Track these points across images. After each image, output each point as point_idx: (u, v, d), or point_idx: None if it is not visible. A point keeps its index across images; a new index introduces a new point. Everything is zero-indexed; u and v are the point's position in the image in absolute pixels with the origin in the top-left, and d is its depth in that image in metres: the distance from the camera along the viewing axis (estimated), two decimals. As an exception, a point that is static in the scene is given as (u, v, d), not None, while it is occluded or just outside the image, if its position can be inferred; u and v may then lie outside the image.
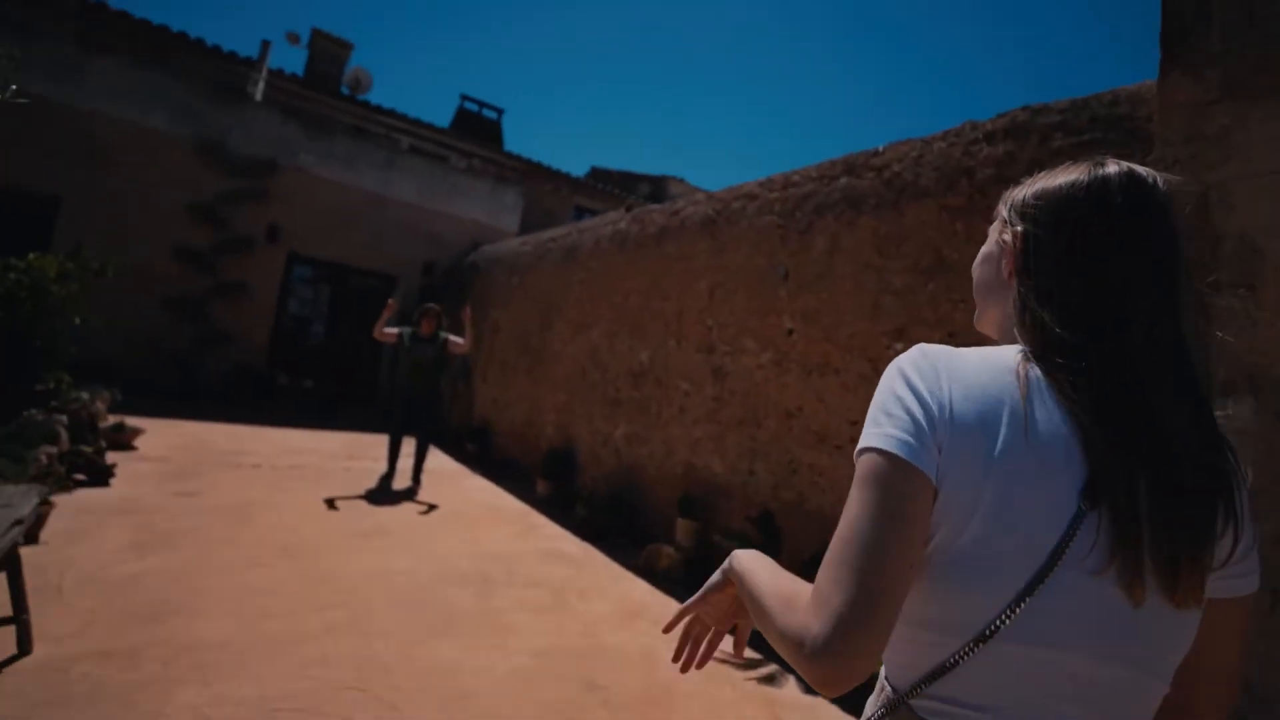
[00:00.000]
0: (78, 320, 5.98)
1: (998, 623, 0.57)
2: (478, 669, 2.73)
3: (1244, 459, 0.65)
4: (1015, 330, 0.69)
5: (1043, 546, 0.58)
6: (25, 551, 3.36)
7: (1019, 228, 0.70)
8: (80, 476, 4.61)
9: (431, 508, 5.21)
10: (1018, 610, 0.57)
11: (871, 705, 0.69)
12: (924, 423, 0.60)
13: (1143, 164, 0.68)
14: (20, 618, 2.36)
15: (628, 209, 6.48)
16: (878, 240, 3.66)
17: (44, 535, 3.59)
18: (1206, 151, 1.84)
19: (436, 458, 7.50)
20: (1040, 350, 0.63)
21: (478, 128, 17.53)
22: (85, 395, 6.12)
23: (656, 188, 17.93)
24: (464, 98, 18.80)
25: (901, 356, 0.67)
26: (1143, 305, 0.62)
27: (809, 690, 2.90)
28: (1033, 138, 2.89)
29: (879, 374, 2.89)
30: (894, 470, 0.59)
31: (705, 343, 4.82)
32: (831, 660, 0.55)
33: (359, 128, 10.20)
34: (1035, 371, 0.62)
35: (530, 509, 5.65)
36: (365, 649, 2.76)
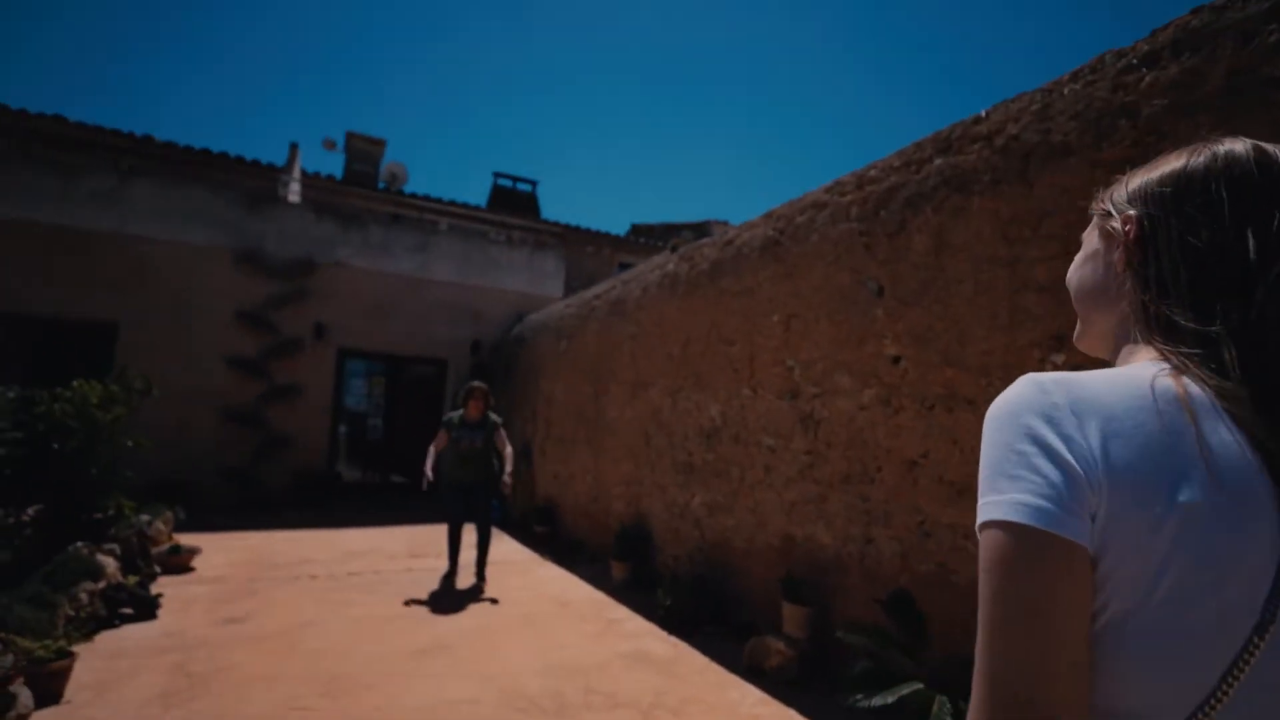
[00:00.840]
0: (130, 443, 5.79)
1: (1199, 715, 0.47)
2: None
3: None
4: (1137, 335, 0.61)
5: (1243, 616, 0.48)
6: (43, 715, 2.90)
7: (1133, 212, 0.62)
8: (127, 610, 4.21)
9: (496, 606, 4.58)
10: (1219, 701, 0.47)
11: None
12: (1066, 479, 0.50)
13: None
14: None
15: (673, 249, 5.95)
16: (1001, 225, 2.95)
17: (69, 690, 3.15)
18: None
19: (503, 544, 6.92)
20: (1177, 354, 0.55)
21: (513, 202, 17.68)
22: (145, 518, 5.85)
23: (700, 234, 17.54)
24: (497, 175, 19.12)
25: (1010, 395, 0.57)
26: None
27: None
28: (1225, 42, 2.17)
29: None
30: (1033, 547, 0.49)
31: (787, 387, 4.13)
32: None
33: (393, 216, 10.18)
34: (1194, 388, 0.52)
35: (606, 598, 4.95)
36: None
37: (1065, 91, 2.69)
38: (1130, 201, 0.63)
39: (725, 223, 17.92)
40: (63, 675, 3.18)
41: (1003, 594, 0.50)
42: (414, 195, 12.09)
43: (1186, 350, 0.54)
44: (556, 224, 14.28)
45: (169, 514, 6.08)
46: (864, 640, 2.95)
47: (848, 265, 3.77)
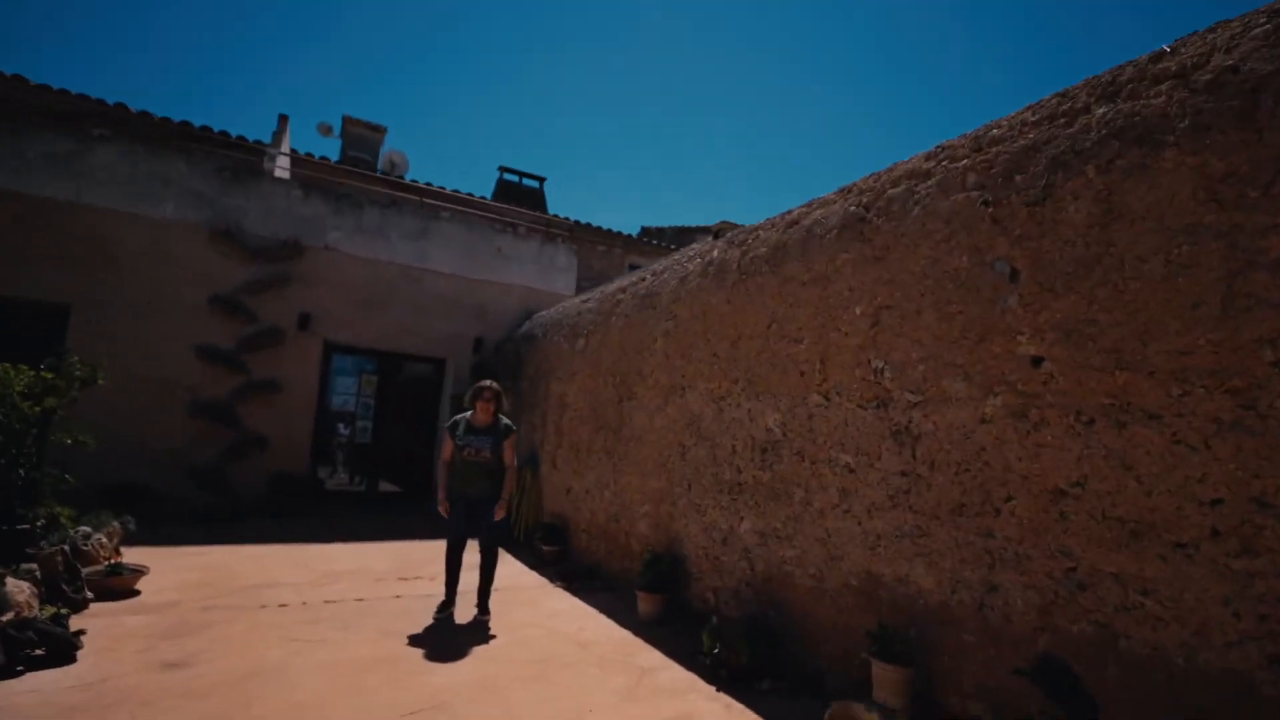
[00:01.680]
0: (70, 440, 4.96)
1: None
2: None
3: None
4: None
5: None
6: None
7: None
8: (37, 651, 3.36)
9: (503, 648, 3.77)
10: None
11: None
12: None
13: None
14: None
15: (715, 236, 5.21)
16: (1210, 185, 2.22)
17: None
18: None
19: (506, 565, 6.09)
20: None
21: (519, 198, 16.97)
22: (84, 530, 5.01)
23: (713, 237, 16.87)
24: (503, 169, 18.39)
25: None
26: None
27: None
28: None
29: (1259, 415, 1.52)
30: None
31: (873, 394, 3.39)
32: None
33: (391, 199, 9.41)
34: None
35: (632, 638, 4.16)
36: None
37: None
38: None
39: (736, 224, 17.27)
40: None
41: None
42: (414, 182, 11.33)
43: None
44: (566, 220, 13.55)
45: (115, 525, 5.23)
46: (1022, 734, 2.18)
47: (965, 244, 3.04)
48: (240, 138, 10.46)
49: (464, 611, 4.52)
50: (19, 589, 3.39)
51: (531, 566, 6.16)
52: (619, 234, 14.89)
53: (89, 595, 4.16)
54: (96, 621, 3.84)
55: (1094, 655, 2.39)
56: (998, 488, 2.76)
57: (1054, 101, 2.82)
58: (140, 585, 4.64)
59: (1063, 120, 2.74)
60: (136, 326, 7.55)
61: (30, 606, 3.41)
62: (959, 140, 3.24)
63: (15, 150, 7.16)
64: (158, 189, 7.87)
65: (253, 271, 8.29)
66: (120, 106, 8.76)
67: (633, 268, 15.54)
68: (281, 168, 10.48)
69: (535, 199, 17.60)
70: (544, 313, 8.50)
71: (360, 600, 4.69)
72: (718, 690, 3.40)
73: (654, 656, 3.87)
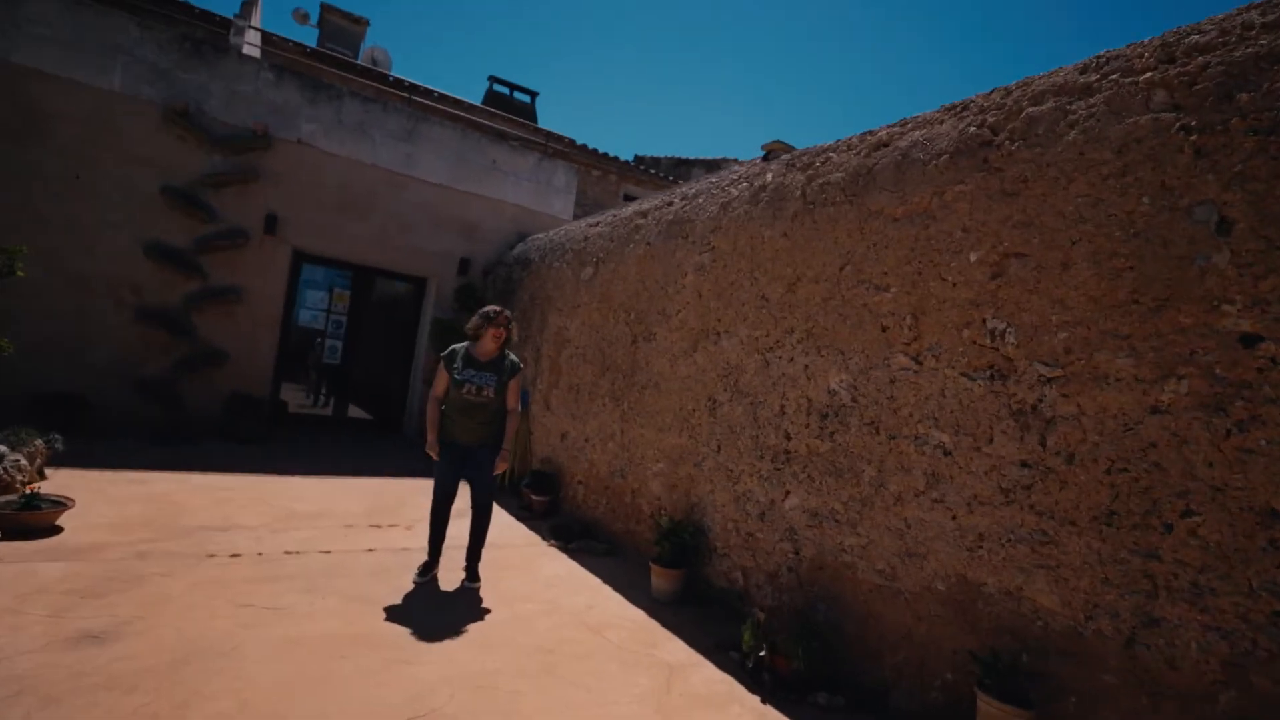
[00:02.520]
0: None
1: None
2: None
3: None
4: None
5: None
6: None
7: None
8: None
9: (501, 628, 3.16)
10: None
11: None
12: None
13: None
14: None
15: (765, 156, 4.41)
16: None
17: None
18: None
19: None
20: None
21: (510, 111, 15.65)
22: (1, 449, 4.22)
23: (712, 170, 15.86)
24: (493, 79, 16.90)
25: None
26: None
27: None
28: None
29: None
30: None
31: (987, 360, 2.72)
32: None
33: (376, 92, 8.29)
34: None
35: (650, 621, 3.59)
36: None
37: None
38: None
39: (737, 160, 16.25)
40: None
41: None
42: (401, 80, 10.09)
43: None
44: (561, 137, 12.44)
45: (39, 443, 4.44)
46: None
47: (1147, 181, 2.32)
48: (205, 12, 9.10)
49: (448, 574, 3.90)
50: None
51: (520, 518, 5.55)
52: (615, 158, 13.82)
53: (-8, 534, 3.43)
54: (0, 570, 3.12)
55: (1296, 725, 1.84)
56: (1172, 498, 2.14)
57: (1310, -12, 2.06)
58: (63, 521, 3.90)
59: (1336, 11, 1.99)
60: (72, 213, 6.51)
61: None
62: (1134, 48, 2.48)
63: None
64: (104, 55, 6.66)
65: (214, 162, 7.21)
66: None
67: (628, 197, 14.53)
68: (251, 44, 9.18)
69: (526, 115, 16.26)
70: (541, 235, 7.63)
71: (327, 553, 4.03)
72: (763, 701, 2.84)
73: (678, 648, 3.30)
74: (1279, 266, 2.00)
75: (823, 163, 3.72)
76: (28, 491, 3.85)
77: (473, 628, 3.24)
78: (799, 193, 3.77)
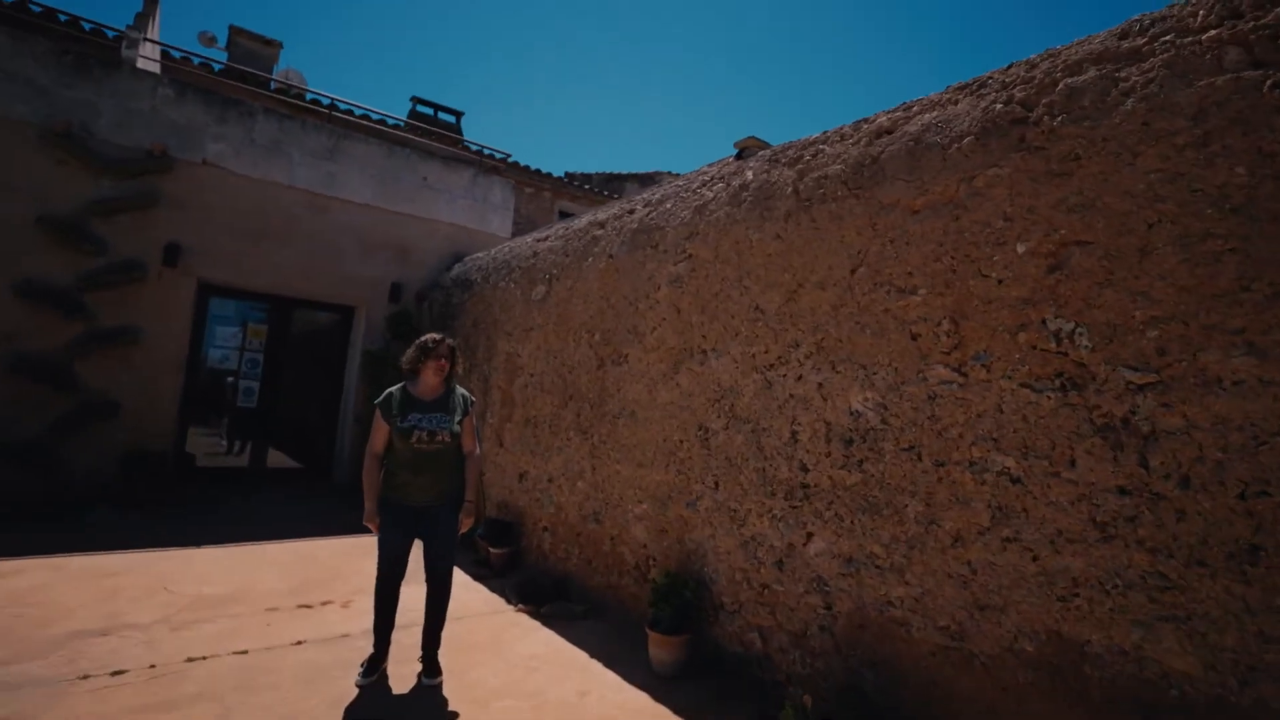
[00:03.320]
0: None
1: None
2: None
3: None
4: None
5: None
6: None
7: None
8: None
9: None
10: None
11: None
12: None
13: None
14: None
15: (738, 155, 3.96)
16: None
17: None
18: None
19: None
20: None
21: (435, 132, 14.92)
22: None
23: (646, 184, 15.56)
24: (416, 100, 16.11)
25: None
26: None
27: None
28: None
29: None
30: None
31: (1054, 367, 2.28)
32: None
33: (293, 110, 7.48)
34: None
35: (660, 709, 2.96)
36: None
37: None
38: None
39: (676, 174, 16.02)
40: None
41: None
42: (318, 102, 9.31)
43: None
44: (490, 155, 11.81)
45: None
46: None
47: (1238, 149, 1.93)
48: (98, 29, 8.09)
49: (400, 667, 3.17)
50: None
51: (477, 577, 4.82)
52: (548, 175, 13.29)
53: None
54: None
55: None
56: (1334, 528, 1.71)
57: None
58: (-122, 643, 2.97)
59: None
60: (-88, 250, 5.45)
61: None
62: (1182, 9, 2.15)
63: None
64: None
65: (104, 188, 6.27)
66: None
67: (563, 214, 14.01)
68: (147, 57, 8.22)
69: (453, 135, 15.57)
70: (482, 255, 6.97)
71: (243, 653, 3.23)
72: (815, 808, 2.27)
73: (695, 739, 2.69)
74: None
75: (813, 155, 3.27)
76: None
77: (438, 744, 2.55)
78: (790, 189, 3.31)
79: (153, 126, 6.54)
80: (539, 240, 5.74)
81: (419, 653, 3.20)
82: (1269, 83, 1.92)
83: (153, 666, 3.00)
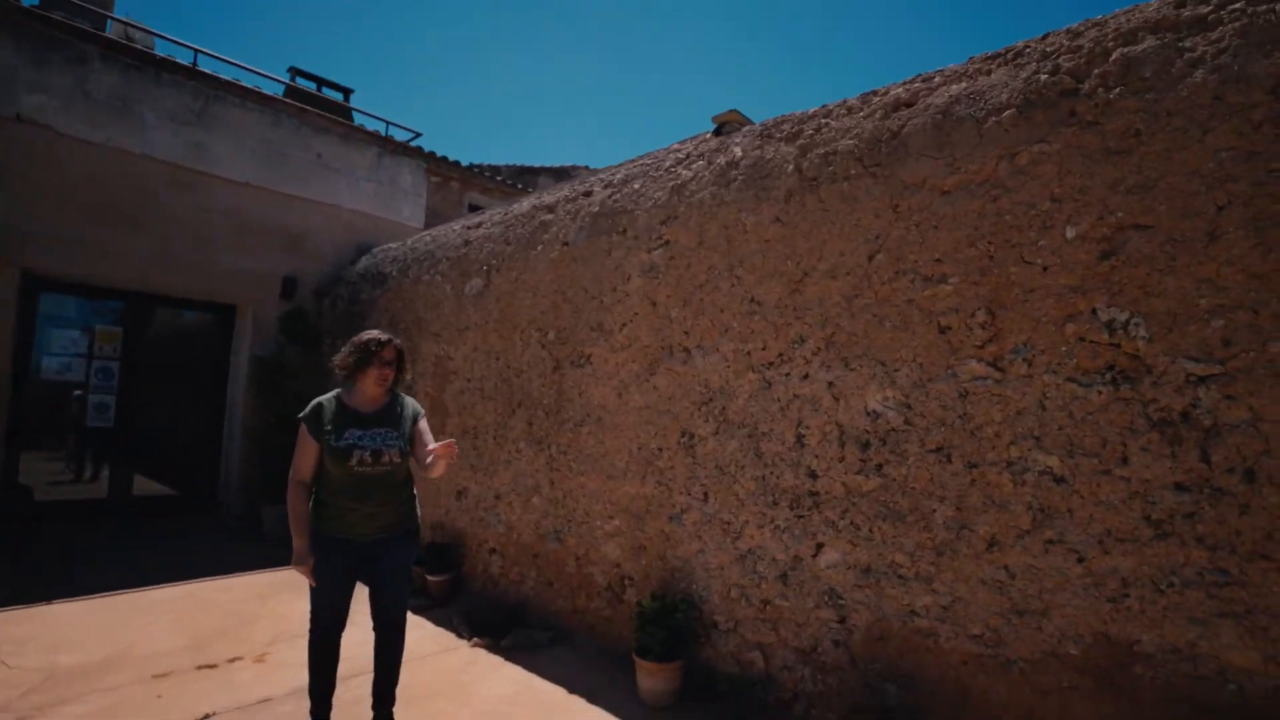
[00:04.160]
0: None
1: None
2: None
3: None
4: None
5: None
6: None
7: None
8: None
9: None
10: None
11: None
12: None
13: None
14: None
15: (716, 131, 3.69)
16: None
17: None
18: None
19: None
20: None
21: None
22: None
23: (559, 179, 15.04)
24: (295, 71, 14.48)
25: None
26: None
27: None
28: None
29: None
30: None
31: (1105, 360, 2.17)
32: None
33: (142, 59, 6.24)
34: None
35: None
36: None
37: None
38: None
39: (587, 168, 15.60)
40: None
41: None
42: (170, 58, 8.01)
43: None
44: (392, 138, 10.84)
45: None
46: None
47: (1323, 121, 1.89)
48: None
49: (354, 735, 2.61)
50: None
51: (417, 609, 4.22)
52: (456, 163, 12.41)
53: None
54: None
55: None
56: None
57: None
58: None
59: None
60: None
61: None
62: None
63: None
64: None
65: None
66: None
67: (473, 207, 13.14)
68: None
69: (340, 116, 14.19)
70: (396, 245, 6.26)
71: (138, 742, 2.52)
72: None
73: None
74: None
75: (816, 130, 3.04)
76: None
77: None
78: (791, 167, 3.06)
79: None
80: (470, 228, 5.17)
81: (367, 712, 2.65)
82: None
83: (7, 779, 2.25)
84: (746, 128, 3.42)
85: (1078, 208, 2.26)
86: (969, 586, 2.38)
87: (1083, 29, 2.37)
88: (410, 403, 2.77)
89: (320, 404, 2.59)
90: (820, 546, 2.79)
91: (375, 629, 2.66)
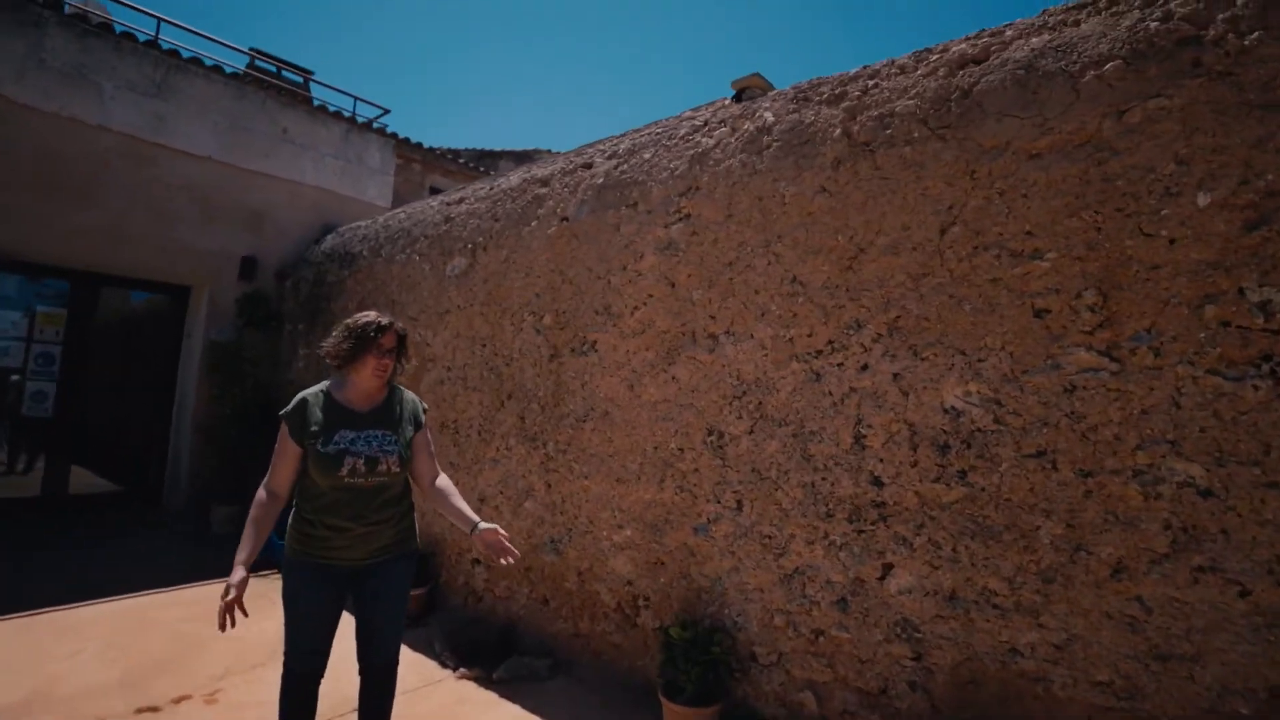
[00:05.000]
0: None
1: None
2: None
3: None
4: None
5: None
6: None
7: None
8: None
9: None
10: None
11: None
12: None
13: None
14: None
15: (739, 95, 3.26)
16: None
17: None
18: None
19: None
20: None
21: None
22: None
23: (522, 162, 14.53)
24: (256, 53, 13.72)
25: None
26: None
27: None
28: None
29: None
30: None
31: (1256, 349, 1.79)
32: None
33: (104, 25, 5.65)
34: None
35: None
36: None
37: None
38: None
39: (556, 152, 15.14)
40: None
41: None
42: (131, 36, 7.34)
43: None
44: (358, 113, 10.22)
45: None
46: None
47: None
48: None
49: (323, 802, 2.12)
50: None
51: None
52: (419, 145, 11.78)
53: None
54: None
55: None
56: None
57: None
58: None
59: None
60: None
61: None
62: None
63: None
64: None
65: None
66: None
67: (434, 190, 12.54)
68: None
69: (300, 98, 13.44)
70: (366, 223, 5.72)
71: (47, 818, 2.01)
72: None
73: None
74: None
75: (864, 91, 2.63)
76: None
77: None
78: (839, 131, 2.64)
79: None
80: (450, 203, 4.67)
81: (345, 774, 2.18)
82: None
83: None
84: (773, 92, 3.00)
85: (1211, 170, 1.87)
86: (1089, 622, 1.98)
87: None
88: (410, 398, 2.29)
89: (305, 399, 2.10)
90: (889, 568, 2.38)
91: (361, 671, 2.19)
